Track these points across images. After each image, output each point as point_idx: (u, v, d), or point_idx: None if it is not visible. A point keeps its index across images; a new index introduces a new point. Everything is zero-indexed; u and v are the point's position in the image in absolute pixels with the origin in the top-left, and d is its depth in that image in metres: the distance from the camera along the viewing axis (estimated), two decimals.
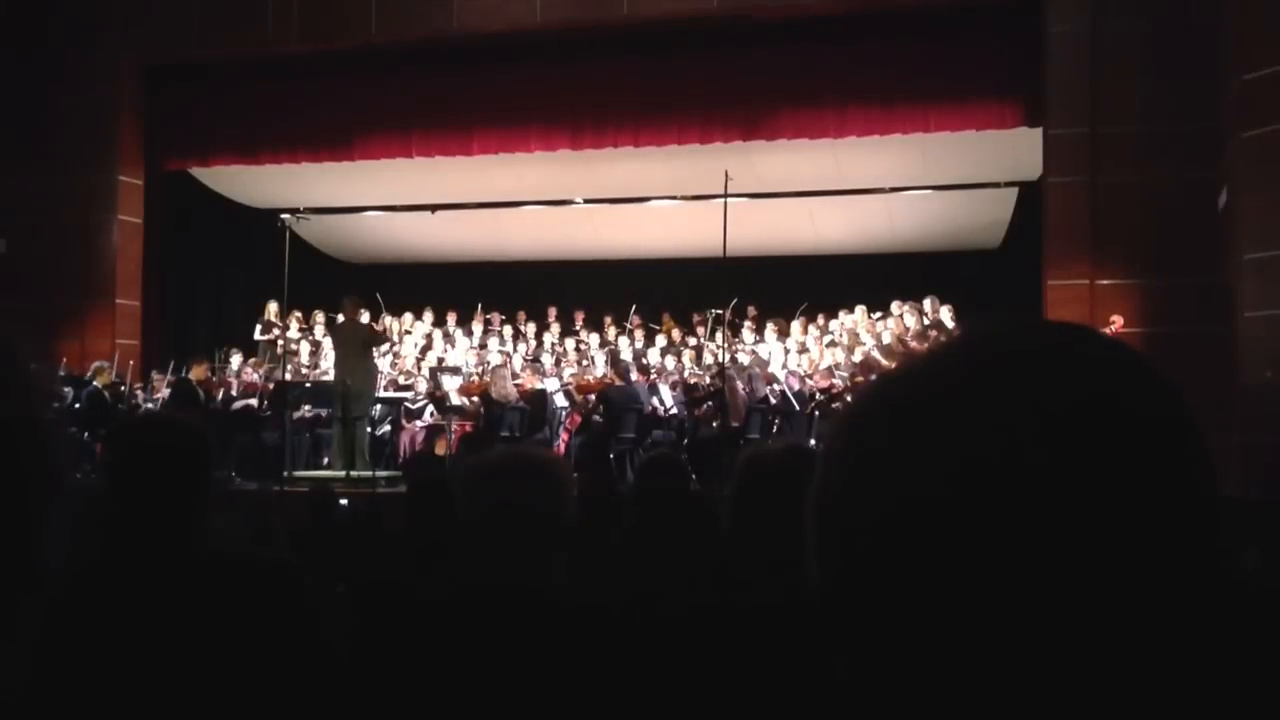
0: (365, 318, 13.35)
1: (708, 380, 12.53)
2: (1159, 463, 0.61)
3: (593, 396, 12.56)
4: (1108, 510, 0.59)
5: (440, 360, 14.51)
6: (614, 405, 12.01)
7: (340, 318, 12.70)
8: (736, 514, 2.19)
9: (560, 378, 13.43)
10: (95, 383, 12.28)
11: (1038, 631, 0.59)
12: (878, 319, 13.75)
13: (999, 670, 0.60)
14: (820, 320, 14.40)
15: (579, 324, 16.05)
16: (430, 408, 12.94)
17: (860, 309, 14.03)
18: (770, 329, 14.38)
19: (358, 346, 12.24)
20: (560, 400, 12.81)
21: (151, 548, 2.08)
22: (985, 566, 0.60)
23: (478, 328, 15.61)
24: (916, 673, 0.62)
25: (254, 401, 12.76)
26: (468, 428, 12.50)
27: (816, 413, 11.68)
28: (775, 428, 11.66)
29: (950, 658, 0.61)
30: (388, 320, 15.18)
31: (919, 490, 0.62)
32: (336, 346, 12.67)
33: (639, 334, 15.28)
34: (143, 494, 2.09)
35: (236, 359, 13.98)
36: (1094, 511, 0.59)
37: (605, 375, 13.13)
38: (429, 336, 15.31)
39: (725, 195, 11.31)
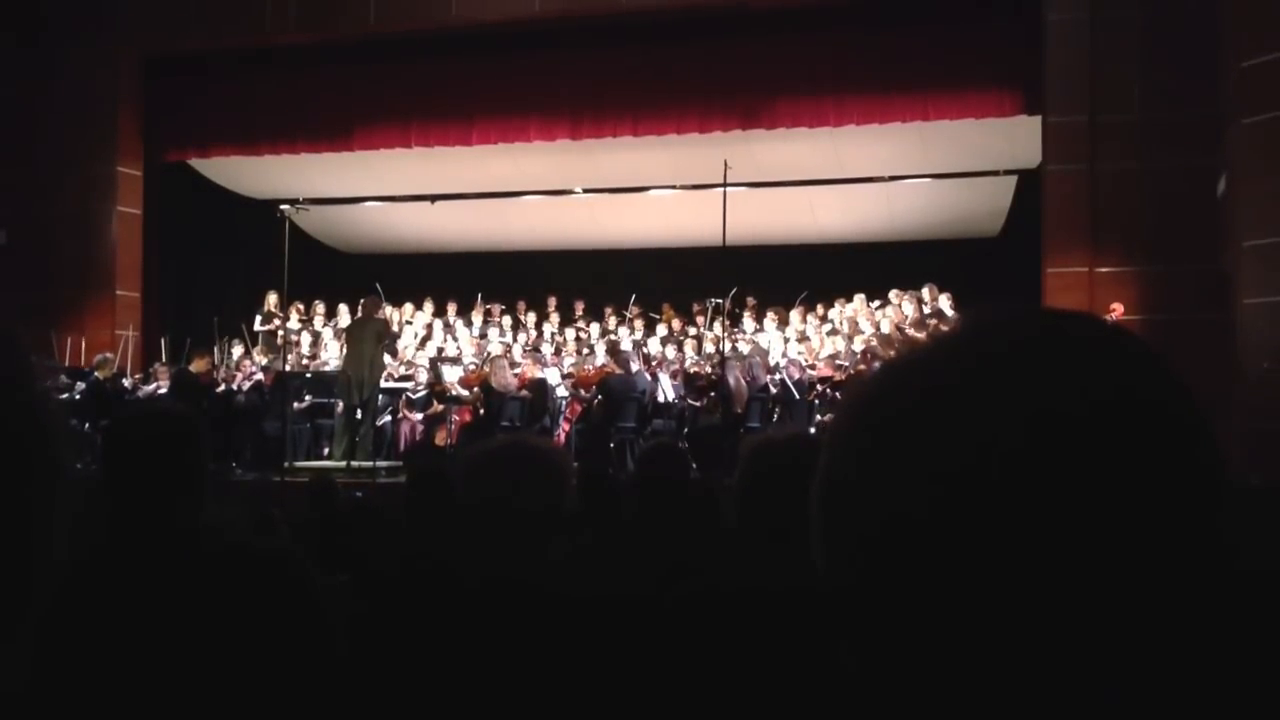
0: (386, 312, 13.39)
1: (709, 369, 12.54)
2: (1169, 451, 0.61)
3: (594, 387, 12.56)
4: (1119, 498, 0.60)
5: (440, 350, 14.51)
6: (614, 394, 12.00)
7: (360, 313, 12.75)
8: (743, 504, 2.17)
9: (560, 367, 13.42)
10: (96, 374, 12.28)
11: (1049, 620, 0.59)
12: (876, 307, 13.74)
13: (1009, 658, 0.60)
14: (819, 309, 14.39)
15: (579, 314, 16.03)
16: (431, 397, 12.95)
17: (859, 298, 14.02)
18: (770, 318, 14.39)
19: (371, 338, 12.27)
20: (561, 390, 12.81)
21: (150, 538, 2.09)
22: (997, 554, 0.60)
23: (478, 318, 15.60)
24: (925, 660, 0.62)
25: (261, 376, 12.83)
26: (468, 417, 12.50)
27: (817, 401, 11.68)
28: (776, 416, 11.67)
29: (960, 645, 0.61)
30: (389, 310, 15.19)
31: (930, 477, 0.62)
32: (348, 338, 12.69)
33: (639, 323, 15.27)
34: (136, 484, 2.09)
35: (238, 350, 14.01)
36: (1106, 500, 0.60)
37: (605, 365, 13.13)
38: (429, 327, 15.30)
39: (724, 184, 11.31)
